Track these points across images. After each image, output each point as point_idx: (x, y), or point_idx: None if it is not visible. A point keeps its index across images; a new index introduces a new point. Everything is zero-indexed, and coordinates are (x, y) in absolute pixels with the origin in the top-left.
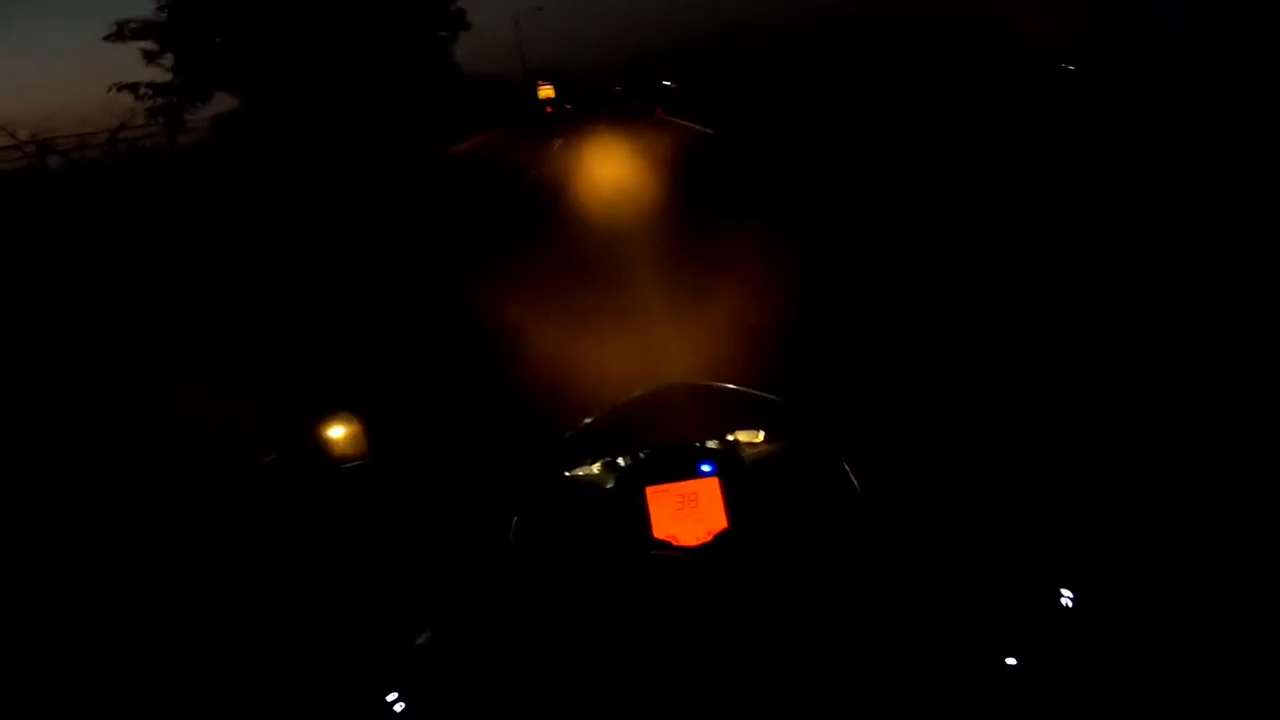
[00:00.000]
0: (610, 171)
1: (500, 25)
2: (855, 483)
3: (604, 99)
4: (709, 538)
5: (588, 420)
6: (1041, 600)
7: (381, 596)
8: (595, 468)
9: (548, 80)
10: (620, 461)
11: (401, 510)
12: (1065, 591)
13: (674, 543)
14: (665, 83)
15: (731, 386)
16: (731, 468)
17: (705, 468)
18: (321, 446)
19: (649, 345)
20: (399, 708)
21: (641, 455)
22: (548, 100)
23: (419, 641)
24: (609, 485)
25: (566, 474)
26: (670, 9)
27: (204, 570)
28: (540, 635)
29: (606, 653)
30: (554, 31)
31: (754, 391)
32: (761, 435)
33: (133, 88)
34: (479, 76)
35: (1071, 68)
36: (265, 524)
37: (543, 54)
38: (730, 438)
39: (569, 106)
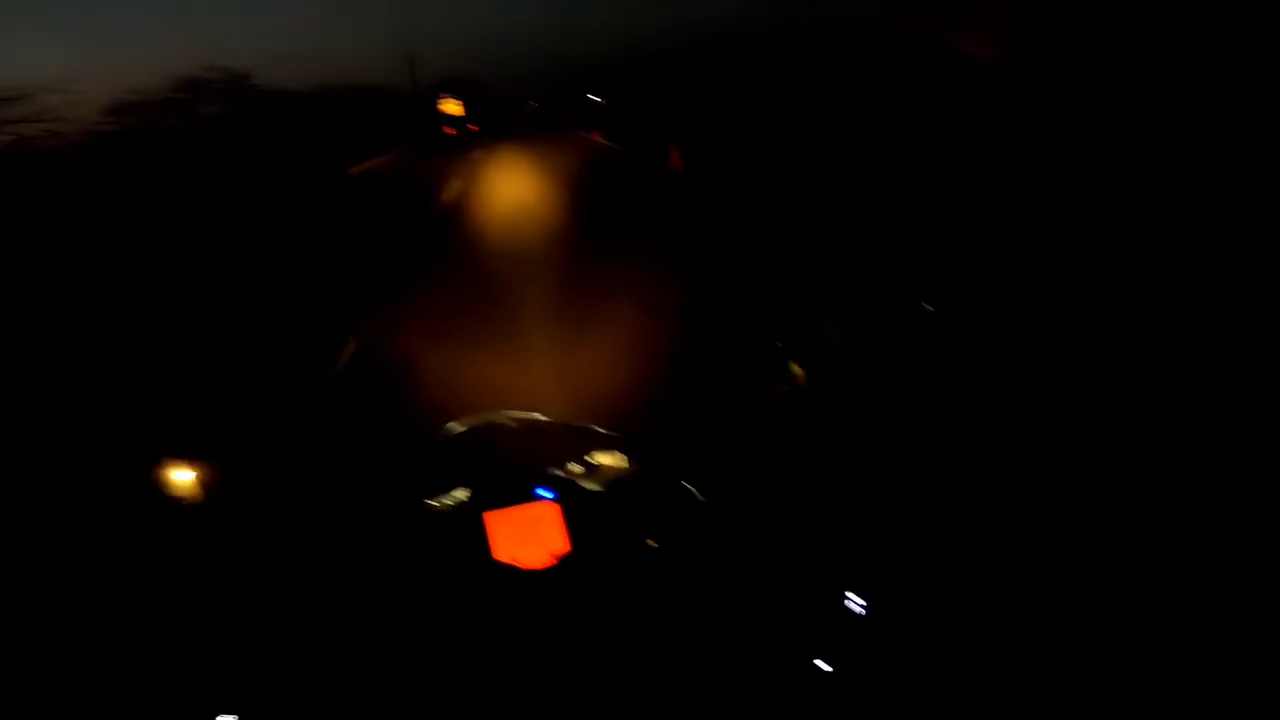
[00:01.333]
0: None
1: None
2: (698, 498)
3: (521, 118)
4: (553, 561)
5: (427, 450)
6: (839, 605)
7: (215, 635)
8: (454, 493)
9: (452, 94)
10: (460, 493)
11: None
12: (855, 598)
13: (518, 565)
14: (590, 97)
15: (571, 424)
16: (570, 491)
17: (544, 493)
18: (166, 488)
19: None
20: None
21: (478, 478)
22: (452, 119)
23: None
24: (439, 510)
25: (426, 501)
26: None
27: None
28: (385, 664)
29: (449, 677)
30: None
31: (594, 428)
32: (620, 459)
33: None
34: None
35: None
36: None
37: (451, 67)
38: (590, 460)
39: (473, 128)
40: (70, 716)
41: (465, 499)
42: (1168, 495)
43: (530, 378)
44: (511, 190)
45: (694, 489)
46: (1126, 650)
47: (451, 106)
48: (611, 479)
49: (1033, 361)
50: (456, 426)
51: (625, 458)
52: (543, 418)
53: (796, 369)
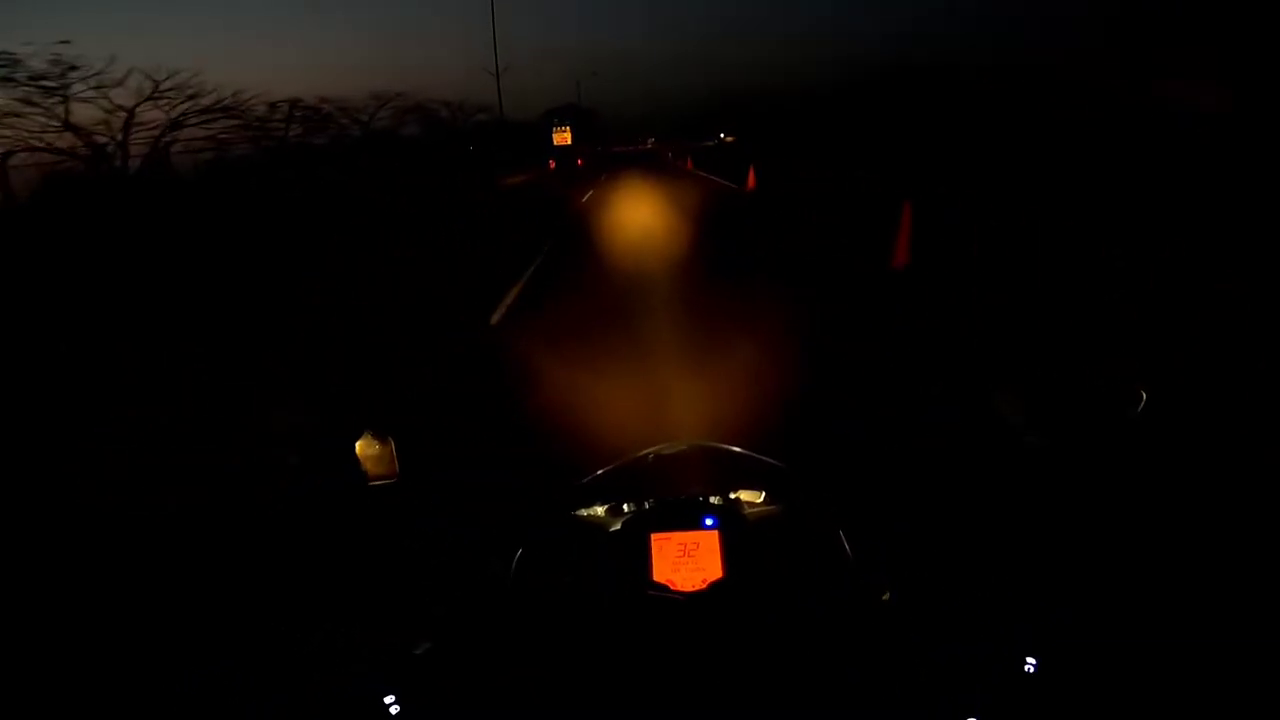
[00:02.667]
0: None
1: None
2: (848, 549)
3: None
4: (704, 585)
5: (601, 470)
6: (1007, 667)
7: (390, 607)
8: (600, 510)
9: (565, 122)
10: (627, 508)
11: (419, 530)
12: (1030, 659)
13: (672, 587)
14: (721, 135)
15: (738, 450)
16: (731, 523)
17: (708, 521)
18: (353, 460)
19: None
20: (394, 710)
21: (648, 504)
22: (562, 149)
23: (418, 651)
24: (614, 528)
25: (574, 513)
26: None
27: (218, 570)
28: (537, 661)
29: (600, 685)
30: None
31: (759, 456)
32: (762, 495)
33: None
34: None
35: None
36: (288, 527)
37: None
38: (733, 496)
39: (580, 162)
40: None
41: (631, 519)
42: None
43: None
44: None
45: (846, 540)
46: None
47: (563, 136)
48: (765, 515)
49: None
50: (636, 451)
51: (777, 493)
52: (721, 446)
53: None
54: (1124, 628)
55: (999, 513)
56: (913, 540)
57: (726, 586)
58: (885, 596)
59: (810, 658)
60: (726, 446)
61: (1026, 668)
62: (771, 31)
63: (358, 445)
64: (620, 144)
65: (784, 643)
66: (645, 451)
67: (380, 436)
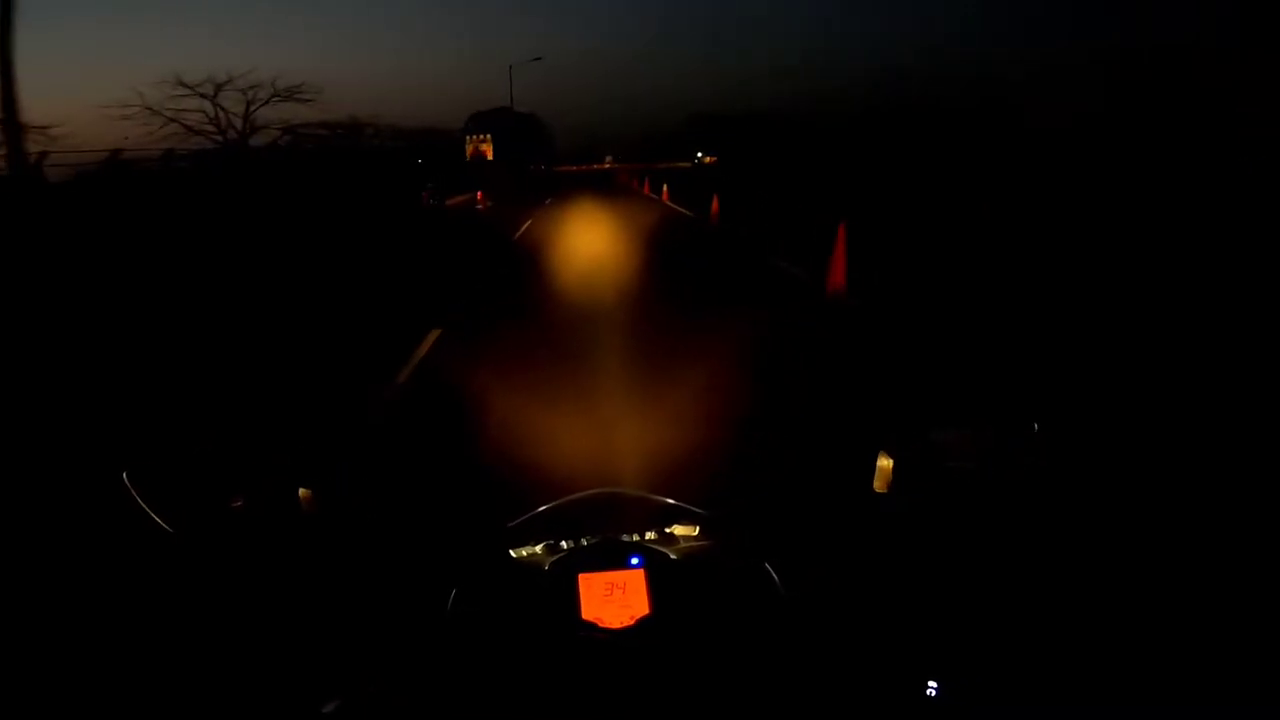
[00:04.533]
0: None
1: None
2: (778, 583)
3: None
4: (632, 622)
5: (533, 512)
6: (908, 691)
7: (301, 657)
8: (538, 549)
9: (486, 130)
10: (564, 545)
11: (344, 572)
12: (931, 684)
13: (600, 624)
14: (700, 155)
15: (666, 500)
16: (657, 561)
17: (634, 560)
18: (290, 500)
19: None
20: None
21: (580, 544)
22: (479, 166)
23: (326, 710)
24: (546, 567)
25: (510, 553)
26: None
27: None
28: (467, 705)
29: None
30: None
31: (684, 505)
32: (696, 530)
33: None
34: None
35: None
36: (213, 570)
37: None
38: (667, 531)
39: (481, 199)
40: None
41: (559, 559)
42: None
43: (614, 444)
44: (581, 233)
45: (775, 574)
46: None
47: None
48: (692, 552)
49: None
50: (567, 495)
51: (705, 531)
52: (636, 492)
53: (884, 462)
54: (1026, 652)
55: (917, 542)
56: (833, 572)
57: (653, 622)
58: (807, 629)
59: (736, 690)
60: (652, 496)
61: (929, 692)
62: (759, 45)
63: (298, 482)
64: (571, 162)
65: (710, 676)
66: (577, 495)
67: (316, 474)
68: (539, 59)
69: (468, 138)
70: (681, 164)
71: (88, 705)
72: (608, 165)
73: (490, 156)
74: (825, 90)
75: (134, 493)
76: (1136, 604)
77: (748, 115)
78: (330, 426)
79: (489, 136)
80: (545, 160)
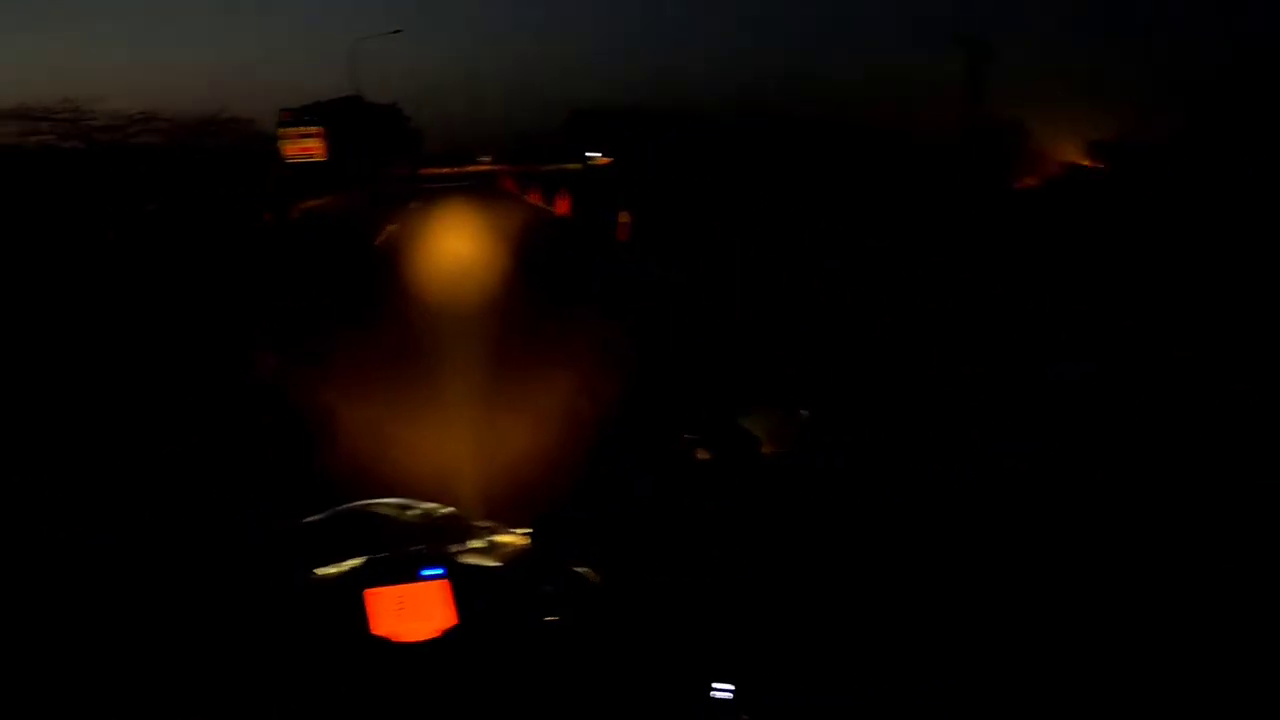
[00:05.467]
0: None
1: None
2: (594, 580)
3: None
4: (437, 633)
5: (316, 517)
6: (697, 695)
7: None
8: (344, 565)
9: (313, 121)
10: (348, 564)
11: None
12: (721, 686)
13: (394, 639)
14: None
15: (453, 511)
16: (462, 570)
17: (430, 572)
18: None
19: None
20: None
21: (365, 558)
22: (302, 169)
23: None
24: (321, 581)
25: (315, 572)
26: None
27: None
28: None
29: None
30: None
31: (478, 523)
32: (483, 544)
33: None
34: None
35: None
36: None
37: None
38: (453, 545)
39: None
40: None
41: (343, 575)
42: None
43: (446, 444)
44: (450, 245)
45: (590, 571)
46: None
47: (305, 144)
48: (507, 555)
49: None
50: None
51: (522, 535)
52: (435, 507)
53: (703, 456)
54: (820, 653)
55: (713, 534)
56: (632, 571)
57: (461, 630)
58: (605, 628)
59: (544, 693)
60: (443, 508)
61: (715, 694)
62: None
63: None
64: (440, 164)
65: (521, 680)
66: (356, 504)
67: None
68: (398, 31)
69: (282, 132)
70: (571, 165)
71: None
72: (486, 168)
73: (320, 156)
74: (706, 85)
75: None
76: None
77: (634, 111)
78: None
79: (320, 130)
80: (409, 162)
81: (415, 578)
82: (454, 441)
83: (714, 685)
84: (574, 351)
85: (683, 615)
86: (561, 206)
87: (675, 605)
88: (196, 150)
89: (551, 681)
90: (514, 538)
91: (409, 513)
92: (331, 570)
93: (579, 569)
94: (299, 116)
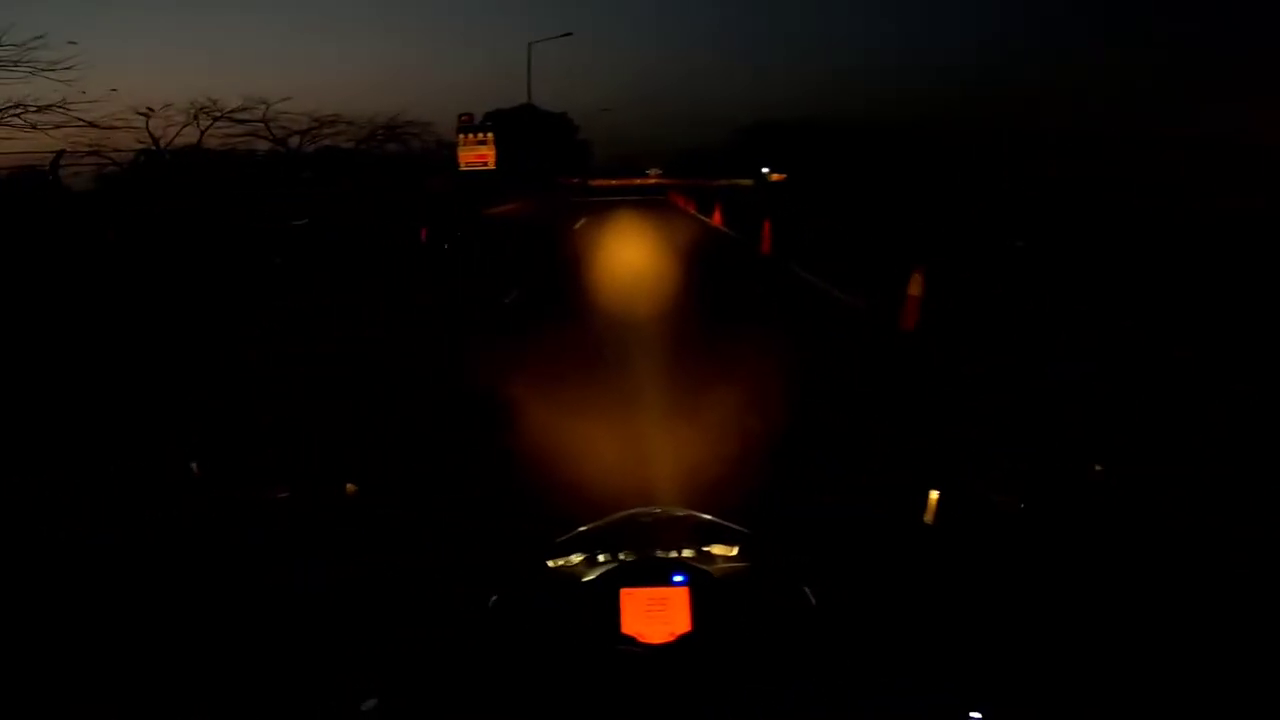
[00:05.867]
0: None
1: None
2: (813, 603)
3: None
4: (671, 638)
5: (578, 530)
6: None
7: (343, 656)
8: (575, 559)
9: (478, 129)
10: (602, 559)
11: (385, 576)
12: (975, 715)
13: (640, 639)
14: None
15: (708, 517)
16: (701, 580)
17: (677, 578)
18: (336, 494)
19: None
20: None
21: (621, 558)
22: (473, 176)
23: (365, 708)
24: (585, 579)
25: (549, 564)
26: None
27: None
28: (502, 713)
29: None
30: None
31: (728, 524)
32: (735, 551)
33: None
34: None
35: None
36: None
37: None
38: (704, 550)
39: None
40: None
41: (604, 573)
42: None
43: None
44: (623, 257)
45: (810, 593)
46: None
47: (476, 152)
48: (733, 571)
49: None
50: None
51: (745, 551)
52: (679, 510)
53: (932, 501)
54: (1070, 685)
55: (958, 569)
56: (875, 595)
57: (693, 639)
58: (847, 650)
59: (774, 709)
60: (698, 514)
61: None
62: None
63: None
64: (609, 175)
65: (745, 696)
66: (622, 514)
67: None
68: (568, 34)
69: (460, 139)
70: (743, 181)
71: (136, 693)
72: (653, 180)
73: (491, 165)
74: (885, 95)
75: (197, 479)
76: (1183, 647)
77: (810, 124)
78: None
79: (489, 138)
80: (579, 172)
81: (667, 581)
82: (637, 444)
83: (971, 715)
84: (746, 369)
85: (919, 643)
86: (717, 219)
87: (907, 633)
88: (374, 155)
89: (776, 700)
90: (733, 549)
91: (659, 518)
92: (574, 562)
93: (804, 587)
94: (473, 124)
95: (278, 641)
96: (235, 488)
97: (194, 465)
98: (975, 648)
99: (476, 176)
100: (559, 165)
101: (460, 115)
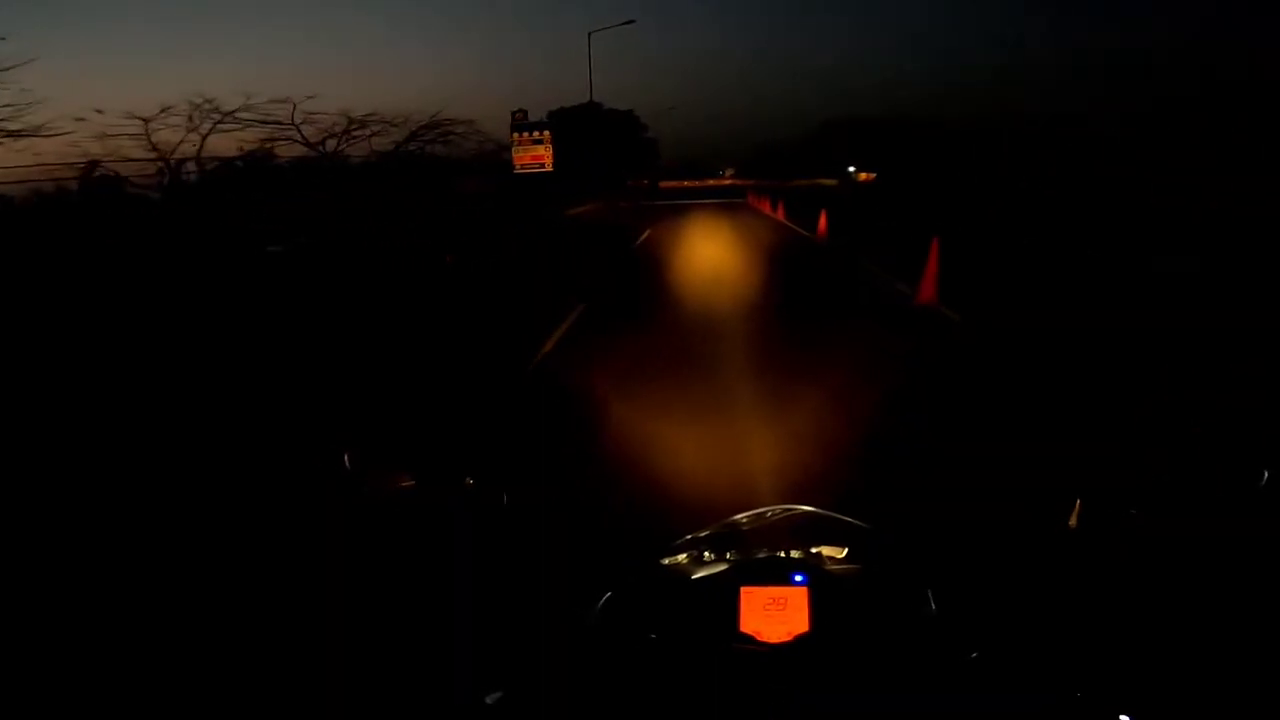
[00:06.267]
0: None
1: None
2: (934, 607)
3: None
4: (789, 638)
5: (691, 536)
6: None
7: (463, 647)
8: (683, 558)
9: (533, 128)
10: (708, 556)
11: (505, 563)
12: (1124, 718)
13: (758, 638)
14: (852, 170)
15: (825, 512)
16: (821, 580)
17: (797, 577)
18: (457, 485)
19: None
20: None
21: (736, 557)
22: (532, 179)
23: (490, 700)
24: (699, 577)
25: (663, 561)
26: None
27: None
28: (620, 710)
29: None
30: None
31: (846, 518)
32: (845, 552)
33: None
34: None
35: None
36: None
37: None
38: (814, 550)
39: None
40: None
41: (723, 571)
42: None
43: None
44: (698, 266)
45: (933, 599)
46: None
47: (533, 152)
48: (852, 571)
49: None
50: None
51: (860, 549)
52: (812, 509)
53: (1077, 507)
54: (1218, 691)
55: (1094, 574)
56: (1001, 599)
57: (812, 639)
58: (973, 655)
59: (895, 714)
60: (815, 509)
61: None
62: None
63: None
64: (678, 176)
65: (865, 697)
66: (736, 517)
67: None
68: (630, 22)
69: (514, 138)
70: (826, 181)
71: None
72: (728, 180)
73: (549, 166)
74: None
75: (351, 470)
76: None
77: (897, 120)
78: (495, 421)
79: (546, 136)
80: (649, 174)
81: (787, 580)
82: (722, 443)
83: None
84: (831, 374)
85: (1052, 652)
86: (820, 226)
87: (1037, 641)
88: (416, 157)
89: (897, 704)
90: (840, 552)
91: (776, 515)
92: (682, 560)
93: (928, 590)
94: (527, 121)
95: (403, 634)
96: (374, 479)
97: (346, 458)
98: (1118, 656)
99: (532, 179)
100: (625, 166)
101: (514, 112)
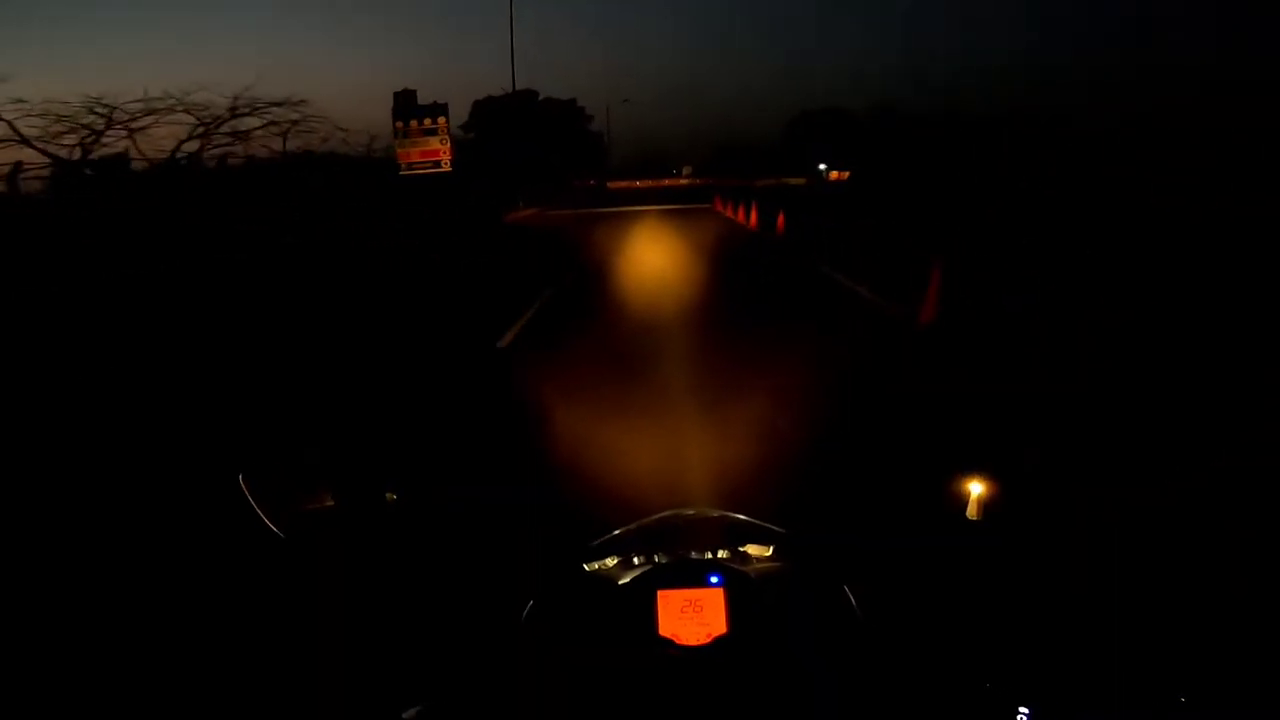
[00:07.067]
0: None
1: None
2: (854, 605)
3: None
4: (708, 640)
5: (613, 533)
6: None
7: (380, 662)
8: (610, 563)
9: (423, 114)
10: (636, 561)
11: (425, 577)
12: (1023, 710)
13: (676, 641)
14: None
15: (742, 517)
16: (736, 581)
17: (713, 579)
18: (377, 502)
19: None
20: None
21: (658, 561)
22: (419, 179)
23: (407, 716)
24: (622, 582)
25: (585, 568)
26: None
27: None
28: (539, 716)
29: None
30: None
31: (762, 523)
32: (770, 551)
33: None
34: None
35: None
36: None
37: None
38: (740, 550)
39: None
40: None
41: (640, 575)
42: None
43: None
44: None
45: (853, 597)
46: None
47: (430, 144)
48: (769, 572)
49: None
50: (646, 517)
51: (780, 551)
52: (727, 514)
53: (978, 489)
54: (1122, 681)
55: (1004, 568)
56: (914, 597)
57: (730, 641)
58: (889, 652)
59: (813, 712)
60: (733, 514)
61: (1019, 718)
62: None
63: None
64: (630, 176)
65: (785, 698)
66: (656, 516)
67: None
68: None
69: (396, 128)
70: (794, 180)
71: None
72: (685, 181)
73: (446, 165)
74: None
75: (247, 494)
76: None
77: (880, 112)
78: (417, 435)
79: (441, 124)
80: (592, 172)
81: (703, 582)
82: (663, 443)
83: (1020, 710)
84: (780, 373)
85: (963, 639)
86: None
87: (951, 630)
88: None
89: (816, 702)
90: (768, 550)
91: (694, 519)
92: (609, 565)
93: (844, 587)
94: (415, 106)
95: (317, 651)
96: (287, 498)
97: (241, 482)
98: (1025, 645)
99: (417, 182)
100: (568, 163)
101: (396, 93)
